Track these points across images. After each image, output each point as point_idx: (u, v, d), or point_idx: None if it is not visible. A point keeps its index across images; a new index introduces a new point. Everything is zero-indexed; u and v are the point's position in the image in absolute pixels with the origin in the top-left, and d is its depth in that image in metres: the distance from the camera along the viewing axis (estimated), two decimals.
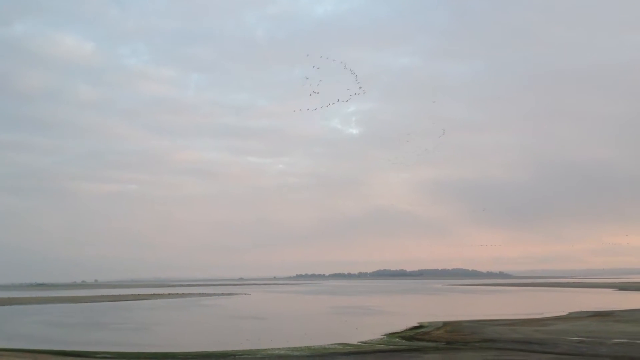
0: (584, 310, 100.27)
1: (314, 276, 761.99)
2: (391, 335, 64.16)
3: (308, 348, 53.19)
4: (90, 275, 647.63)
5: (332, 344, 55.57)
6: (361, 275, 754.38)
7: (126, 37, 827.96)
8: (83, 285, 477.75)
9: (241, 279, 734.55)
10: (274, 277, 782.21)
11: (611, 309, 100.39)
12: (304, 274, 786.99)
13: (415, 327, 72.16)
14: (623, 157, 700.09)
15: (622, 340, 54.66)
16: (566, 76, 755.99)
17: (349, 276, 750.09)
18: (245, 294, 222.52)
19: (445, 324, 74.67)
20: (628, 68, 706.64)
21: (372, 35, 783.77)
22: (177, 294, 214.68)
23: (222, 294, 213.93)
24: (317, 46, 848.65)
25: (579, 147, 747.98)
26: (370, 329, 70.63)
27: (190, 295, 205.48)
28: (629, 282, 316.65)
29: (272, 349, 53.03)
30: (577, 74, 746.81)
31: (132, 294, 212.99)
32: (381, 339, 60.88)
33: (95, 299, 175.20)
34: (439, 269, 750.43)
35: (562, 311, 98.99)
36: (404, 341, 58.39)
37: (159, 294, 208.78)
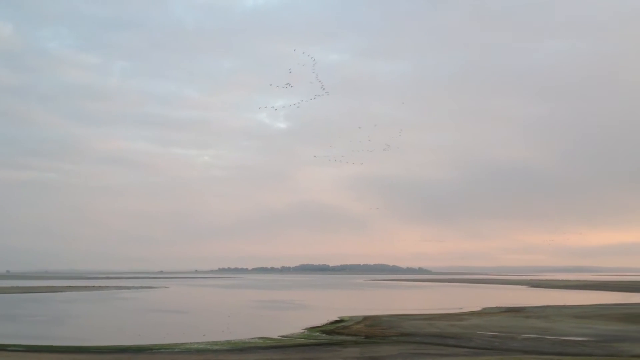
0: (498, 306, 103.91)
1: (236, 270, 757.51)
2: (312, 329, 64.48)
3: (228, 342, 52.71)
4: (2, 265, 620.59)
5: (252, 338, 55.28)
6: (284, 270, 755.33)
7: (48, 20, 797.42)
8: None
9: (161, 272, 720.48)
10: (196, 271, 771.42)
11: (523, 305, 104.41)
12: (226, 267, 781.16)
13: (336, 322, 72.79)
14: (541, 159, 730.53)
15: (532, 335, 56.95)
16: (489, 78, 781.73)
17: (272, 270, 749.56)
18: (165, 287, 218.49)
19: (365, 318, 75.68)
20: (548, 72, 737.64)
21: (302, 31, 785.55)
22: (93, 286, 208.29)
23: (141, 287, 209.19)
24: (247, 38, 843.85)
25: (500, 148, 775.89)
26: (291, 323, 70.74)
27: (107, 288, 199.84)
28: (539, 280, 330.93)
29: (191, 343, 52.24)
30: (500, 76, 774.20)
31: (46, 286, 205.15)
32: (302, 333, 61.09)
33: (6, 290, 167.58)
34: (361, 264, 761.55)
35: (477, 306, 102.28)
36: (324, 335, 58.78)
37: (74, 286, 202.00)
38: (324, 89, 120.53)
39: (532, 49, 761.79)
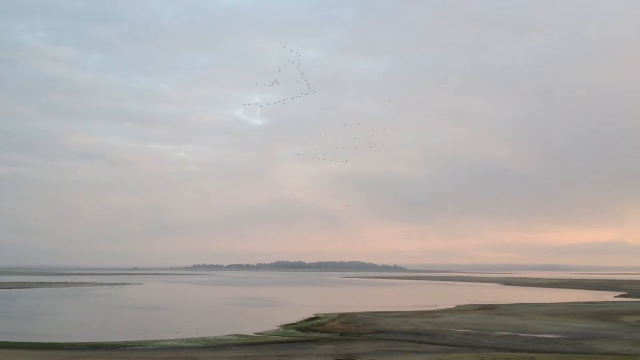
0: (471, 303, 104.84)
1: (211, 267, 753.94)
2: (287, 326, 64.45)
3: (202, 339, 52.49)
4: None
5: (227, 335, 55.10)
6: (260, 267, 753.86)
7: (22, 12, 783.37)
8: None
9: (135, 268, 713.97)
10: (171, 267, 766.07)
11: (496, 303, 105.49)
12: (201, 264, 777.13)
13: (311, 319, 72.86)
14: (517, 158, 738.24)
15: (505, 333, 57.55)
16: (466, 77, 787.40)
17: (248, 267, 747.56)
18: (139, 283, 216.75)
19: (340, 315, 75.86)
20: (522, 71, 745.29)
21: (279, 27, 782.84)
22: (66, 282, 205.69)
23: (115, 284, 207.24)
24: (224, 34, 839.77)
25: (476, 147, 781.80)
26: (266, 320, 70.65)
27: (80, 284, 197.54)
28: (512, 277, 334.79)
29: (164, 340, 51.90)
30: (477, 76, 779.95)
31: (17, 282, 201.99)
32: (277, 330, 61.03)
33: None
34: (337, 261, 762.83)
35: (451, 304, 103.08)
36: (299, 332, 58.82)
37: (46, 282, 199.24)
38: (309, 88, 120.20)
39: (509, 49, 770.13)
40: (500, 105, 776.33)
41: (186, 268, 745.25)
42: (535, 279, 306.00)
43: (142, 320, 73.68)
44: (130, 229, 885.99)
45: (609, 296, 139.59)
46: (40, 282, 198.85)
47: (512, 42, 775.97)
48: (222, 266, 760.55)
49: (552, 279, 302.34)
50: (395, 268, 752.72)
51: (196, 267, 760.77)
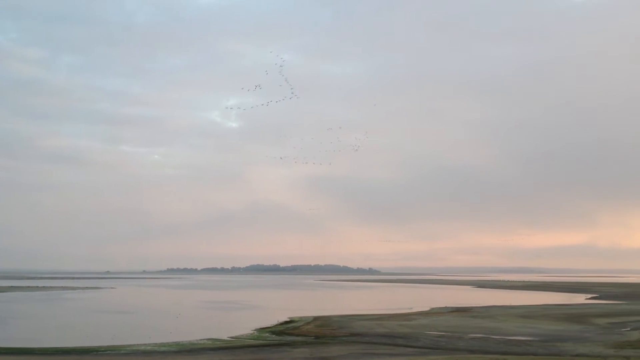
0: (445, 306, 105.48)
1: (186, 270, 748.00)
2: (261, 330, 64.27)
3: (176, 344, 52.12)
4: None
5: (201, 339, 54.77)
6: (234, 270, 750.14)
7: None
8: None
9: (108, 272, 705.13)
10: (144, 271, 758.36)
11: (470, 305, 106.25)
12: (175, 268, 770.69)
13: (286, 322, 72.72)
14: (490, 162, 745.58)
15: (478, 335, 58.07)
16: (440, 81, 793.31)
17: (222, 271, 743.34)
18: (112, 287, 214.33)
19: (315, 318, 75.83)
20: (497, 77, 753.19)
21: (255, 30, 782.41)
22: (37, 286, 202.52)
23: (87, 288, 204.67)
24: (199, 36, 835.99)
25: (449, 150, 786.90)
26: (240, 324, 70.36)
27: (52, 288, 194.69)
28: (486, 280, 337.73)
29: (138, 344, 51.45)
30: (450, 80, 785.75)
31: None
32: (251, 333, 60.84)
33: None
34: (312, 264, 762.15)
35: (426, 307, 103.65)
36: (274, 336, 58.69)
37: (17, 287, 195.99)
38: (293, 92, 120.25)
39: (486, 55, 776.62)
40: (473, 110, 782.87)
41: (160, 272, 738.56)
42: (508, 281, 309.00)
43: (114, 324, 72.88)
44: (103, 232, 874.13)
45: (580, 298, 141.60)
46: (11, 287, 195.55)
47: (489, 48, 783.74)
48: (196, 270, 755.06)
49: (524, 281, 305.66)
50: (371, 271, 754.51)
51: (170, 271, 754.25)
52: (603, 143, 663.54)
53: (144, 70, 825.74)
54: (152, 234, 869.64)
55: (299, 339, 55.58)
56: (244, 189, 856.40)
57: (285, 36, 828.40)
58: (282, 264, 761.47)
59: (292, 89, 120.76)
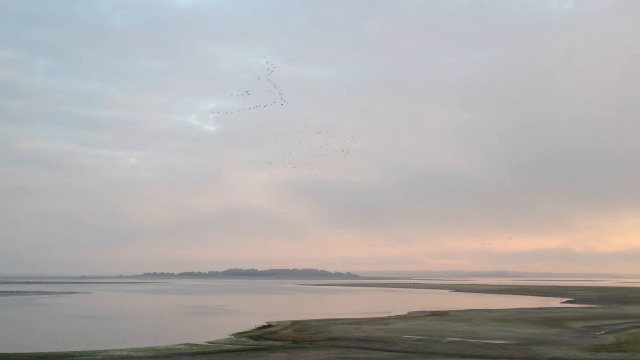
0: (423, 310, 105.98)
1: (162, 275, 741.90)
2: (239, 334, 63.99)
3: (153, 349, 51.66)
4: None
5: (178, 345, 54.37)
6: (212, 275, 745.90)
7: None
8: None
9: (83, 277, 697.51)
10: (120, 276, 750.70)
11: (447, 309, 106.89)
12: (152, 272, 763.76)
13: (264, 327, 72.50)
14: (467, 165, 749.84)
15: (455, 339, 58.42)
16: (416, 86, 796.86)
17: (200, 275, 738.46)
18: (87, 292, 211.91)
19: (293, 323, 75.69)
20: (477, 82, 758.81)
21: (233, 33, 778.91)
22: (11, 291, 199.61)
23: (62, 293, 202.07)
24: (176, 39, 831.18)
25: (427, 154, 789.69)
26: (218, 329, 69.98)
27: (26, 293, 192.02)
28: (463, 284, 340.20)
29: (113, 350, 50.90)
30: (427, 84, 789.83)
31: None
32: (229, 338, 60.51)
33: None
34: (290, 268, 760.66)
35: (403, 310, 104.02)
36: (251, 340, 58.46)
37: None
38: (282, 99, 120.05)
39: (458, 59, 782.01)
40: (449, 114, 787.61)
41: (136, 276, 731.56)
42: (485, 285, 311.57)
43: (90, 330, 71.98)
44: (78, 236, 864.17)
45: (556, 302, 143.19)
46: None
47: (465, 53, 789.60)
48: (173, 274, 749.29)
49: (501, 285, 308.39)
50: (349, 275, 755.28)
51: (147, 275, 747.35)
52: (579, 149, 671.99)
53: (120, 73, 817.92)
54: (129, 239, 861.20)
55: (277, 343, 55.41)
56: (221, 193, 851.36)
57: (264, 40, 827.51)
58: (260, 268, 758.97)
59: (281, 94, 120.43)
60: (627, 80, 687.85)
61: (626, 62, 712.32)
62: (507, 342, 56.22)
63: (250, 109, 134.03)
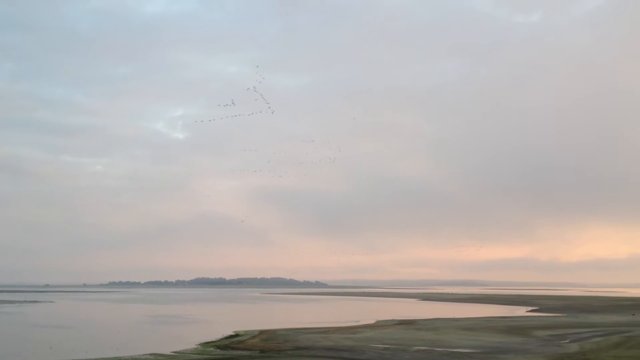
0: (390, 318, 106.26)
1: (128, 284, 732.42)
2: (206, 344, 63.36)
3: (117, 359, 50.82)
4: None
5: (143, 355, 53.61)
6: (179, 284, 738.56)
7: None
8: None
9: (47, 285, 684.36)
10: (85, 285, 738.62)
11: (414, 318, 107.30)
12: (117, 281, 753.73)
13: (231, 336, 71.90)
14: (436, 175, 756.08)
15: (422, 347, 58.64)
16: (387, 95, 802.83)
17: (167, 284, 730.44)
18: (50, 301, 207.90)
19: (261, 332, 75.23)
20: (437, 91, 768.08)
21: (202, 40, 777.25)
22: None
23: (25, 302, 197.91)
24: (144, 46, 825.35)
25: (395, 163, 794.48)
26: (184, 339, 69.17)
27: None
28: (430, 293, 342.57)
29: None
30: (392, 94, 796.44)
31: None
32: (195, 348, 59.88)
33: None
34: (258, 277, 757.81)
35: (371, 319, 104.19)
36: (218, 350, 57.94)
37: None
38: (270, 107, 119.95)
39: (429, 70, 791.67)
40: (418, 124, 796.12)
41: (101, 285, 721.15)
42: (452, 294, 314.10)
43: (53, 340, 70.51)
44: (42, 244, 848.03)
45: (521, 311, 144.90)
46: None
47: (431, 64, 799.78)
48: (139, 283, 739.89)
49: (467, 294, 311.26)
50: (317, 284, 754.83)
51: (112, 284, 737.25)
52: (545, 160, 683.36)
53: (87, 79, 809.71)
54: (94, 247, 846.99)
55: (244, 353, 55.02)
56: (189, 201, 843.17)
57: (233, 48, 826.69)
58: (228, 277, 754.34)
59: (269, 105, 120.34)
60: (592, 91, 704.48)
61: (591, 73, 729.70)
62: (474, 350, 56.63)
63: (226, 117, 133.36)
